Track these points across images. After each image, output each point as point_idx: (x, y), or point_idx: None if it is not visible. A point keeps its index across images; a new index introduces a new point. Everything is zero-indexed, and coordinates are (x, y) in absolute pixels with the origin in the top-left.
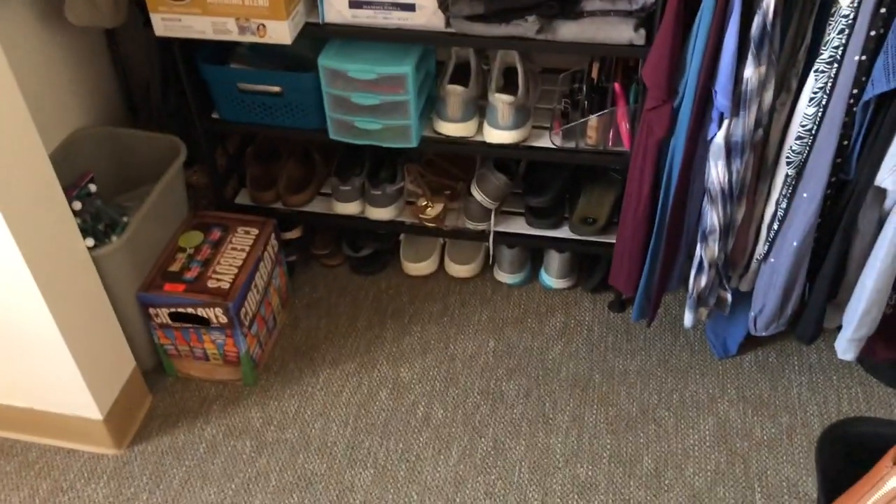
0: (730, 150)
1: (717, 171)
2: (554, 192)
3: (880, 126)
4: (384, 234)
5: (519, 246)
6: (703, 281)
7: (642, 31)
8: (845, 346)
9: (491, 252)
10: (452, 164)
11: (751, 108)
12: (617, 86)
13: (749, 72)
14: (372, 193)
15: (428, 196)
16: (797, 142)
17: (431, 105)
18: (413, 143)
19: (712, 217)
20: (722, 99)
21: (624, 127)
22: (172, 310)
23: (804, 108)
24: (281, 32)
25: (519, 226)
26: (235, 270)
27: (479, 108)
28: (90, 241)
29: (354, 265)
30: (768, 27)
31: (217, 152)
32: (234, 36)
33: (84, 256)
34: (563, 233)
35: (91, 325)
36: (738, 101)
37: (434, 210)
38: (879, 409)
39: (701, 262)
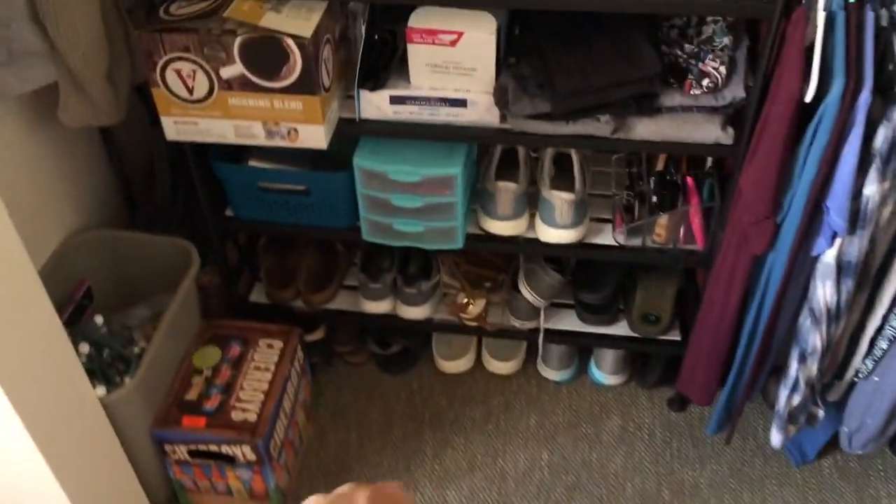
0: (840, 269)
1: (824, 292)
2: (610, 287)
3: None
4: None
5: (572, 344)
6: (798, 400)
7: (730, 130)
8: None
9: (540, 349)
10: (491, 252)
11: (868, 227)
12: (690, 180)
13: (871, 189)
14: (405, 291)
15: (467, 290)
16: None
17: (474, 197)
18: (459, 245)
19: (815, 338)
20: (837, 218)
21: (696, 224)
22: (192, 447)
23: None
24: (316, 137)
25: (570, 322)
26: (262, 397)
27: (529, 200)
28: (101, 390)
29: (382, 363)
30: None
31: (227, 245)
32: (261, 140)
33: (93, 405)
34: (620, 329)
35: (100, 477)
36: (854, 219)
37: (476, 307)
38: None
39: (797, 382)
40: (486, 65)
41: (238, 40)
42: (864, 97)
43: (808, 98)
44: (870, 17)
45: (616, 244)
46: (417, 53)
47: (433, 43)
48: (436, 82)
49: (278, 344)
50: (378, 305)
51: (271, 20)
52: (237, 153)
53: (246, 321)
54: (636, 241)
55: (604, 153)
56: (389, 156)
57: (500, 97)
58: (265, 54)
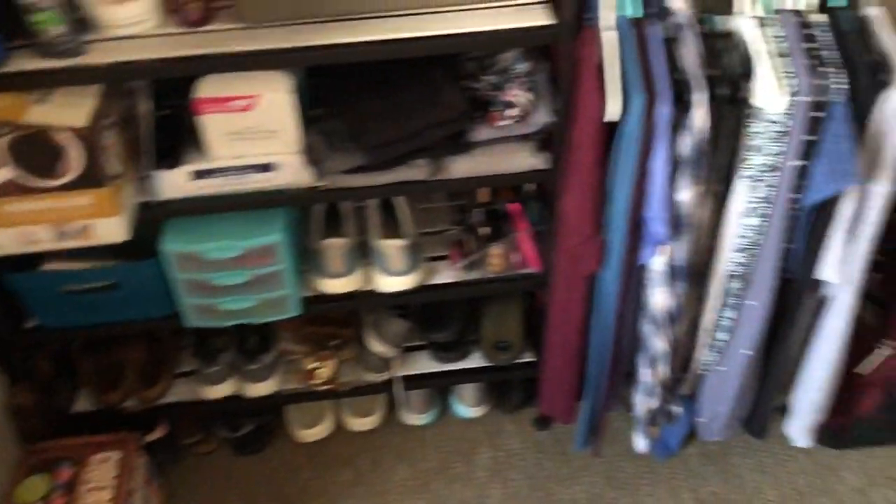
0: (670, 274)
1: (660, 298)
2: (457, 323)
3: (820, 224)
4: None
5: (431, 387)
6: (654, 403)
7: (544, 155)
8: (800, 433)
9: (399, 397)
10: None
11: (688, 231)
12: (515, 207)
13: (685, 194)
14: (247, 368)
15: (314, 354)
16: (740, 254)
17: (304, 259)
18: (294, 312)
19: (659, 342)
20: (657, 227)
21: (528, 249)
22: None
23: (744, 220)
24: (114, 230)
25: (425, 364)
26: None
27: (361, 252)
28: None
29: (235, 446)
30: (703, 144)
31: (38, 357)
32: (51, 245)
33: None
34: (475, 361)
35: None
36: (675, 224)
37: (326, 370)
38: (828, 473)
39: (650, 386)
40: (288, 125)
41: (2, 143)
42: (663, 109)
43: (611, 117)
44: (655, 31)
45: (456, 280)
46: (212, 123)
47: (227, 111)
48: (238, 150)
49: (115, 455)
50: (219, 389)
51: (38, 113)
52: (29, 257)
53: (73, 437)
54: (475, 274)
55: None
56: (202, 234)
57: (311, 156)
58: (36, 152)
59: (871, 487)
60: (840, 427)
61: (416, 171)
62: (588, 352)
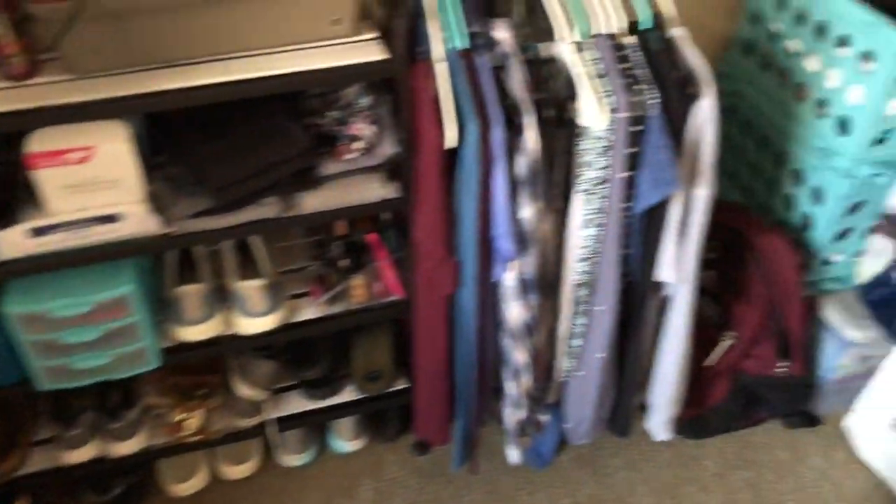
0: (522, 288)
1: (515, 311)
2: (327, 358)
3: (653, 229)
4: None
5: (306, 426)
6: (522, 414)
7: (394, 184)
8: (660, 428)
9: (274, 439)
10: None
11: (534, 245)
12: (372, 237)
13: (527, 212)
14: (110, 427)
15: (181, 405)
16: (584, 263)
17: (160, 308)
18: (154, 365)
19: (519, 355)
20: (504, 244)
21: (390, 277)
22: None
23: (583, 231)
24: None
25: (298, 403)
26: None
27: (220, 296)
28: None
29: None
30: (537, 164)
31: None
32: None
33: None
34: (349, 395)
35: None
36: (520, 240)
37: (195, 420)
38: (691, 462)
39: (517, 398)
40: (129, 174)
41: None
42: (497, 134)
43: (450, 144)
44: (483, 61)
45: (320, 316)
46: (48, 178)
47: (63, 164)
48: (78, 203)
49: None
50: (82, 452)
51: None
52: None
53: None
54: (338, 307)
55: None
56: (47, 291)
57: (156, 203)
58: None
59: (730, 471)
60: (696, 418)
61: (266, 210)
62: (455, 371)
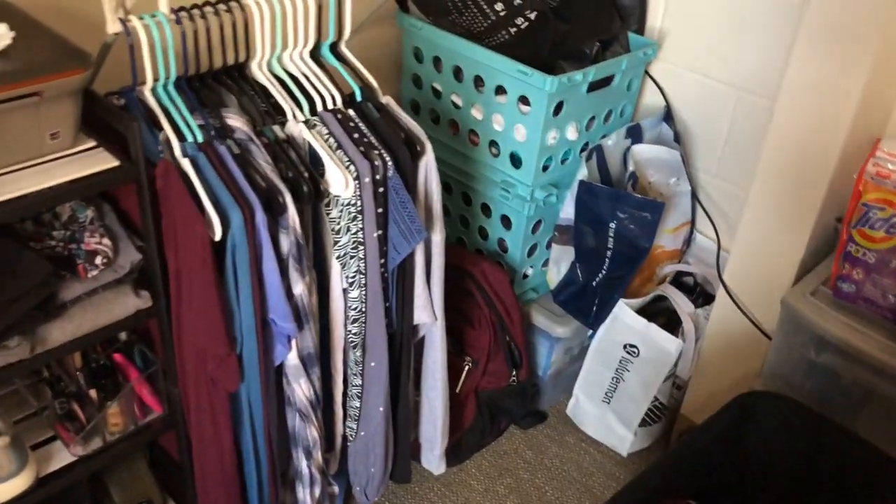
0: (305, 364)
1: (301, 389)
2: (84, 502)
3: (405, 278)
4: None
5: None
6: (318, 491)
7: (145, 293)
8: (437, 462)
9: None
10: None
11: (311, 320)
12: (118, 356)
13: (299, 288)
14: None
15: None
16: (354, 325)
17: None
18: None
19: (311, 432)
20: (284, 324)
21: (146, 394)
22: None
23: (349, 295)
24: None
25: None
26: None
27: None
28: None
29: None
30: (300, 240)
31: None
32: None
33: None
34: None
35: None
36: (297, 317)
37: None
38: (460, 487)
39: (311, 476)
40: None
41: None
42: (260, 218)
43: (217, 237)
44: (224, 150)
45: (80, 457)
46: None
47: None
48: None
49: None
50: None
51: None
52: None
53: None
54: (97, 443)
55: None
56: None
57: None
58: None
59: (493, 483)
60: (456, 444)
61: (14, 352)
62: (244, 467)
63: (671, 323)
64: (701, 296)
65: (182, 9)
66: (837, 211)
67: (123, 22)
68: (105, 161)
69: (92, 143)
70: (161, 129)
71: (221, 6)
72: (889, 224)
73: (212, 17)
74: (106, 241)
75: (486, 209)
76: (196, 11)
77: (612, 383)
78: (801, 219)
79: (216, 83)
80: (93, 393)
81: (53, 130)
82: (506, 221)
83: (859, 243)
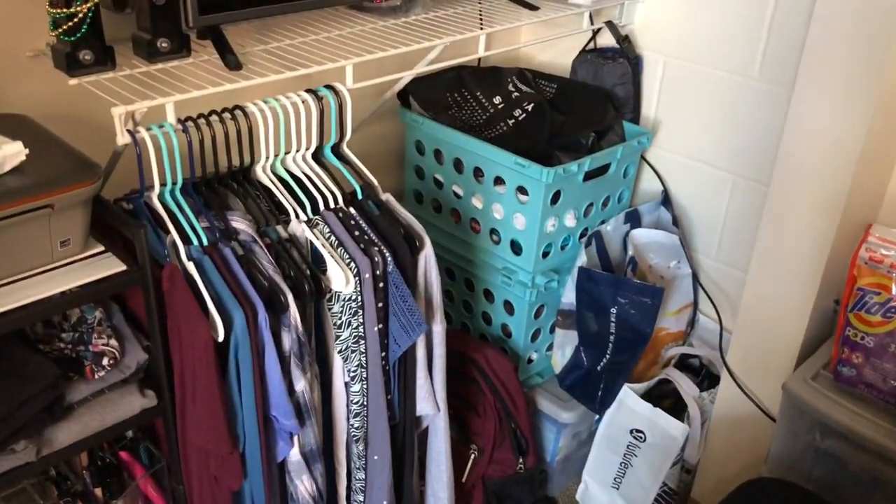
0: (308, 460)
1: (304, 486)
2: None
3: (406, 370)
4: None
5: None
6: None
7: (150, 392)
8: None
9: None
10: None
11: (313, 415)
12: (124, 454)
13: (301, 384)
14: None
15: None
16: (356, 418)
17: None
18: None
19: None
20: (286, 421)
21: (152, 492)
22: None
23: (350, 389)
24: None
25: None
26: None
27: None
28: None
29: None
30: (302, 337)
31: None
32: None
33: None
34: None
35: None
36: (298, 413)
37: None
38: None
39: None
40: None
41: None
42: (262, 317)
43: (220, 338)
44: (228, 252)
45: None
46: None
47: None
48: None
49: None
50: None
51: None
52: None
53: None
54: None
55: None
56: None
57: None
58: None
59: None
60: None
61: (23, 455)
62: None
63: (678, 405)
64: (707, 377)
65: (189, 118)
66: (836, 293)
67: (132, 133)
68: (113, 265)
69: (100, 248)
70: (168, 232)
71: (226, 114)
72: (885, 308)
73: (217, 124)
74: (113, 342)
75: (488, 295)
76: (202, 121)
77: (621, 468)
78: (800, 301)
79: (221, 186)
80: (98, 492)
81: (64, 238)
82: (508, 307)
83: (857, 327)
